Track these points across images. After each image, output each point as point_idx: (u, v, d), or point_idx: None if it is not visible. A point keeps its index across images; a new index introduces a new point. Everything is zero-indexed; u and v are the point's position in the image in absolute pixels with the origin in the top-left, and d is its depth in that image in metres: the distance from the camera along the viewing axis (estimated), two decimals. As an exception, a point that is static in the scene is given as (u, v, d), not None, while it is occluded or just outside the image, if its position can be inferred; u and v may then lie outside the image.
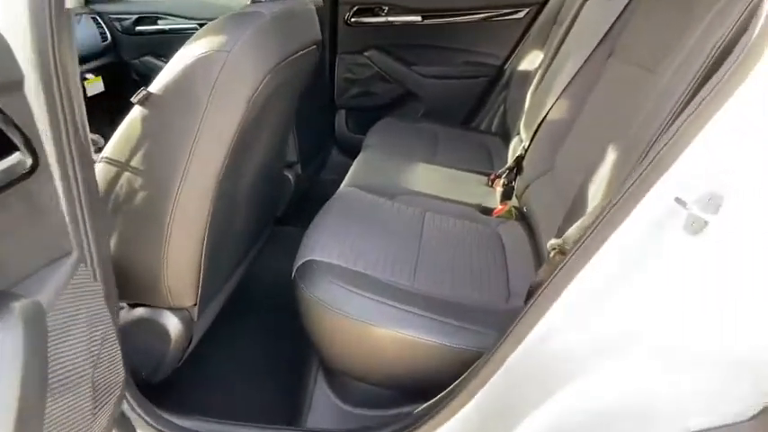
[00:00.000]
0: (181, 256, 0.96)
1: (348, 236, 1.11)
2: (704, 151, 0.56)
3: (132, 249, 0.95)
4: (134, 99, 0.88)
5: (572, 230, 0.78)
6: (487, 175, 1.64)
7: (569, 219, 0.95)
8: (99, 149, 0.98)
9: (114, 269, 0.80)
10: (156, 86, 0.88)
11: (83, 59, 2.14)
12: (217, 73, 0.85)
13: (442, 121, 2.17)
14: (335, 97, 2.31)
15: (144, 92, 0.87)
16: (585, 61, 1.17)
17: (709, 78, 0.58)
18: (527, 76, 1.97)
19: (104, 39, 2.27)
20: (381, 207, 1.30)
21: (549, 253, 0.82)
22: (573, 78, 1.20)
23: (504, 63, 2.18)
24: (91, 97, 2.17)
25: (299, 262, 1.04)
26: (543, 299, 0.69)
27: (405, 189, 1.46)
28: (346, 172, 1.64)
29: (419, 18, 2.17)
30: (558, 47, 1.50)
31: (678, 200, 0.57)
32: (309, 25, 1.23)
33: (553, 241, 0.81)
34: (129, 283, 0.94)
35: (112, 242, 0.93)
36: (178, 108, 0.87)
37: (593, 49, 1.16)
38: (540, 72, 1.58)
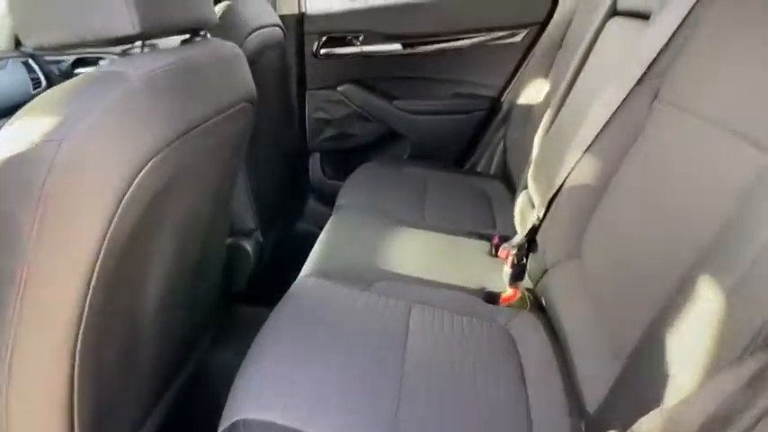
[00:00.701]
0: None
1: (299, 369, 0.78)
2: None
3: None
4: None
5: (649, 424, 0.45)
6: (489, 238, 1.32)
7: (623, 388, 0.63)
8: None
9: None
10: None
11: (8, 110, 1.83)
12: (41, 178, 0.53)
13: (432, 162, 1.85)
14: (308, 140, 1.99)
15: None
16: (621, 104, 0.85)
17: None
18: (530, 111, 1.66)
19: (37, 84, 1.96)
20: (352, 305, 0.97)
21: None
22: (604, 127, 0.88)
23: (501, 94, 1.87)
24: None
25: (224, 424, 0.70)
26: None
27: (384, 271, 1.13)
28: (325, 222, 1.39)
29: (399, 46, 1.86)
30: (573, 80, 1.18)
31: None
32: (233, 77, 0.91)
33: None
34: None
35: None
36: None
37: (631, 89, 0.84)
38: (550, 111, 1.26)
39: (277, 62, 1.62)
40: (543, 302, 1.00)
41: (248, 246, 1.46)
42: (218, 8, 1.31)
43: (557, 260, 0.97)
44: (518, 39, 1.78)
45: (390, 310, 0.97)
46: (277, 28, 1.58)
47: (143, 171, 0.60)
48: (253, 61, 1.08)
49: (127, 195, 0.58)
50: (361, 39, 1.86)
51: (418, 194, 1.57)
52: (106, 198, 0.57)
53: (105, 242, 0.57)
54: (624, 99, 0.85)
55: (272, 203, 1.65)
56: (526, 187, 1.25)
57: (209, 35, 0.90)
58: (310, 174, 2.06)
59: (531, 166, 1.23)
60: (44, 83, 2.00)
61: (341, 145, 2.00)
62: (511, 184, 1.69)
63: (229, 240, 1.41)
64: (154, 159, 0.61)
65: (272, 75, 1.59)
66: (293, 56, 1.86)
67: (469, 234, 1.36)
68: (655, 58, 0.81)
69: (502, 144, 1.85)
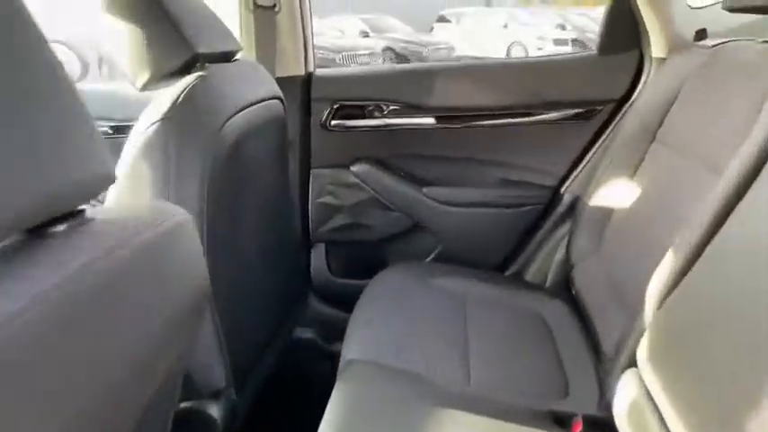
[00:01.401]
0: None
1: None
2: None
3: None
4: None
5: None
6: (567, 423, 0.86)
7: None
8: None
9: None
10: None
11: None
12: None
13: (468, 269, 1.41)
14: (310, 229, 1.58)
15: None
16: None
17: None
18: (606, 214, 1.21)
19: None
20: None
21: None
22: None
23: (562, 185, 1.44)
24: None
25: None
26: None
27: None
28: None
29: (432, 120, 1.46)
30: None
31: None
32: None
33: None
34: None
35: None
36: None
37: None
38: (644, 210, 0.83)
39: (272, 140, 1.22)
40: None
41: (214, 412, 1.01)
42: (178, 92, 0.91)
43: None
44: (590, 117, 1.36)
45: None
46: (273, 101, 1.19)
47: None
48: (231, 155, 0.94)
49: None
50: (385, 110, 1.47)
51: (457, 328, 1.12)
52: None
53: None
54: None
55: (266, 304, 1.22)
56: (630, 365, 0.80)
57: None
58: (312, 269, 1.63)
59: (645, 339, 0.77)
60: None
61: (352, 237, 1.58)
62: (576, 308, 1.23)
63: (188, 404, 0.98)
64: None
65: (266, 157, 1.19)
66: (295, 125, 1.47)
67: (534, 417, 0.90)
68: None
69: (562, 252, 1.40)
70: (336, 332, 1.56)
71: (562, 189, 1.43)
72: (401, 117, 1.48)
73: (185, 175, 0.87)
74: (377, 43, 9.73)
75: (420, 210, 1.50)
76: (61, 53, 1.83)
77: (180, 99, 0.88)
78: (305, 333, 1.64)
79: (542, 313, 1.23)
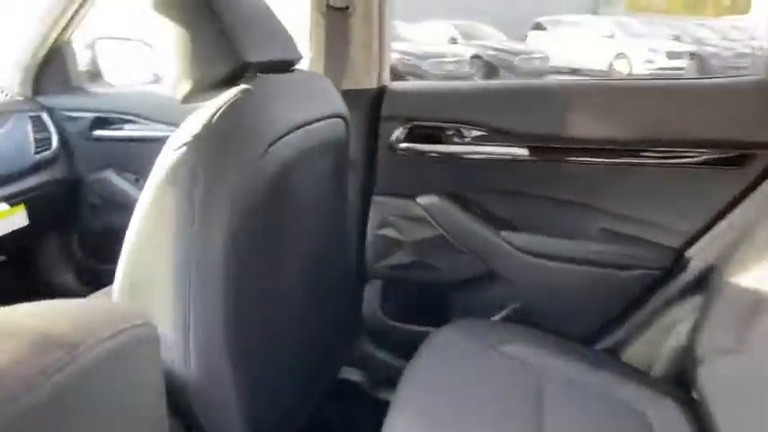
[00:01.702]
0: None
1: None
2: None
3: None
4: None
5: None
6: None
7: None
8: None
9: None
10: None
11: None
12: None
13: (548, 336, 1.13)
14: (366, 262, 1.36)
15: None
16: None
17: None
18: (753, 294, 0.89)
19: (44, 146, 1.54)
20: None
21: None
22: None
23: (687, 247, 1.11)
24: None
25: None
26: None
27: None
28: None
29: (524, 151, 1.19)
30: None
31: None
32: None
33: None
34: None
35: None
36: None
37: None
38: None
39: (330, 163, 1.03)
40: None
41: None
42: (216, 108, 0.74)
43: None
44: (744, 164, 1.03)
45: None
46: (335, 119, 0.99)
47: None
48: (274, 185, 0.78)
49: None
50: (467, 137, 1.22)
51: (529, 413, 0.87)
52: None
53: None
54: None
55: (296, 372, 1.03)
56: None
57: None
58: (365, 306, 1.42)
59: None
60: (55, 144, 1.60)
61: (412, 277, 1.35)
62: (696, 416, 0.92)
63: None
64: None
65: (320, 182, 1.00)
66: (360, 145, 1.27)
67: None
68: None
69: (679, 337, 1.07)
70: (386, 378, 1.35)
71: (690, 253, 1.10)
72: (485, 144, 1.22)
73: (213, 211, 0.71)
74: (465, 50, 9.42)
75: (496, 256, 1.23)
76: (145, 53, 1.76)
77: (216, 117, 0.72)
78: (351, 374, 1.46)
79: (647, 413, 0.93)
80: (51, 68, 1.59)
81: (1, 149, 1.43)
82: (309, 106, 0.92)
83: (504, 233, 1.22)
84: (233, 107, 0.73)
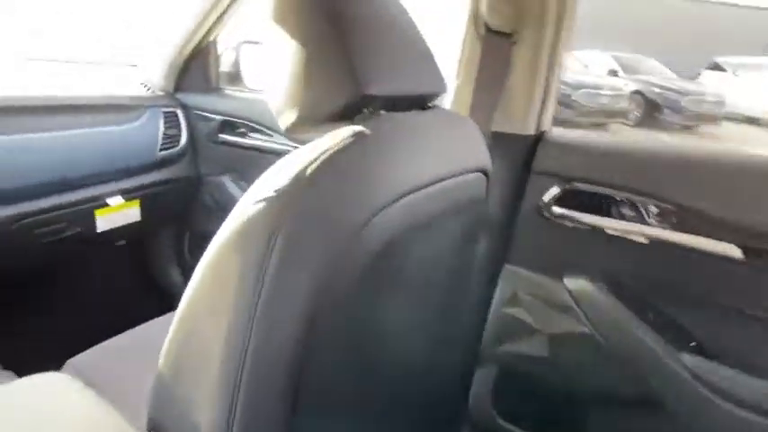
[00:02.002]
0: None
1: None
2: None
3: None
4: None
5: None
6: None
7: None
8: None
9: None
10: None
11: (121, 174, 1.40)
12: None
13: None
14: (482, 346, 1.10)
15: None
16: None
17: None
18: None
19: (172, 143, 1.52)
20: None
21: None
22: None
23: None
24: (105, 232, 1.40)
25: None
26: None
27: None
28: None
29: (732, 249, 0.85)
30: None
31: None
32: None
33: None
34: None
35: None
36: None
37: None
38: None
39: (458, 228, 0.80)
40: None
41: None
42: (315, 154, 0.55)
43: None
44: None
45: None
46: (473, 175, 0.76)
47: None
48: (376, 263, 0.59)
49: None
50: (642, 209, 0.91)
51: None
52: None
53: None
54: None
55: None
56: None
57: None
58: (472, 394, 1.16)
59: None
60: (183, 142, 1.57)
61: (537, 373, 1.06)
62: None
63: None
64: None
65: (442, 250, 0.78)
66: (500, 202, 1.01)
67: None
68: None
69: None
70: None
71: None
72: (670, 228, 0.90)
73: (286, 289, 0.52)
74: (625, 84, 8.56)
75: (665, 382, 0.90)
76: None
77: (312, 168, 0.53)
78: None
79: None
80: (194, 67, 1.56)
81: (130, 143, 1.42)
82: (443, 158, 0.70)
83: (684, 355, 0.88)
84: (336, 156, 0.54)
